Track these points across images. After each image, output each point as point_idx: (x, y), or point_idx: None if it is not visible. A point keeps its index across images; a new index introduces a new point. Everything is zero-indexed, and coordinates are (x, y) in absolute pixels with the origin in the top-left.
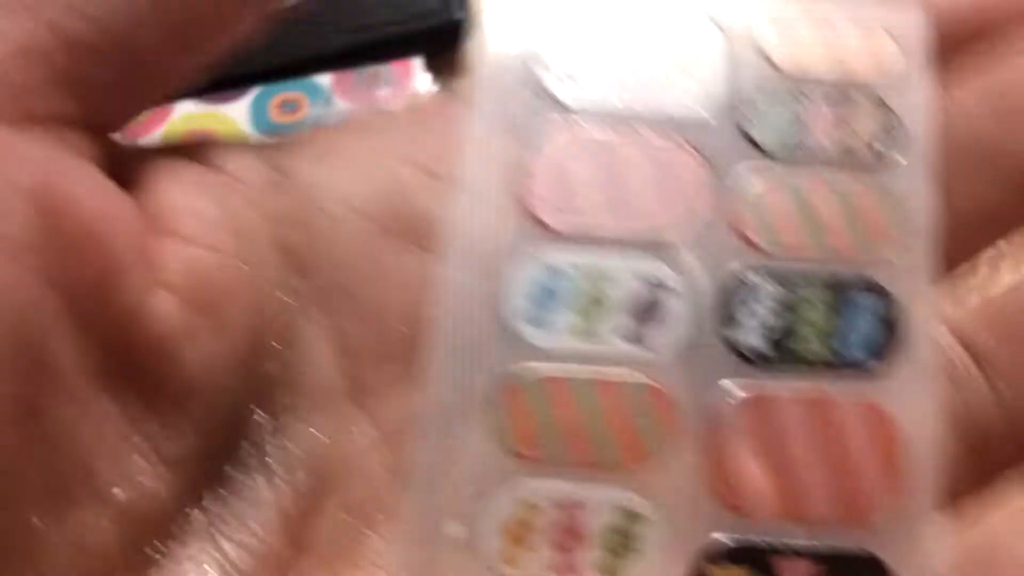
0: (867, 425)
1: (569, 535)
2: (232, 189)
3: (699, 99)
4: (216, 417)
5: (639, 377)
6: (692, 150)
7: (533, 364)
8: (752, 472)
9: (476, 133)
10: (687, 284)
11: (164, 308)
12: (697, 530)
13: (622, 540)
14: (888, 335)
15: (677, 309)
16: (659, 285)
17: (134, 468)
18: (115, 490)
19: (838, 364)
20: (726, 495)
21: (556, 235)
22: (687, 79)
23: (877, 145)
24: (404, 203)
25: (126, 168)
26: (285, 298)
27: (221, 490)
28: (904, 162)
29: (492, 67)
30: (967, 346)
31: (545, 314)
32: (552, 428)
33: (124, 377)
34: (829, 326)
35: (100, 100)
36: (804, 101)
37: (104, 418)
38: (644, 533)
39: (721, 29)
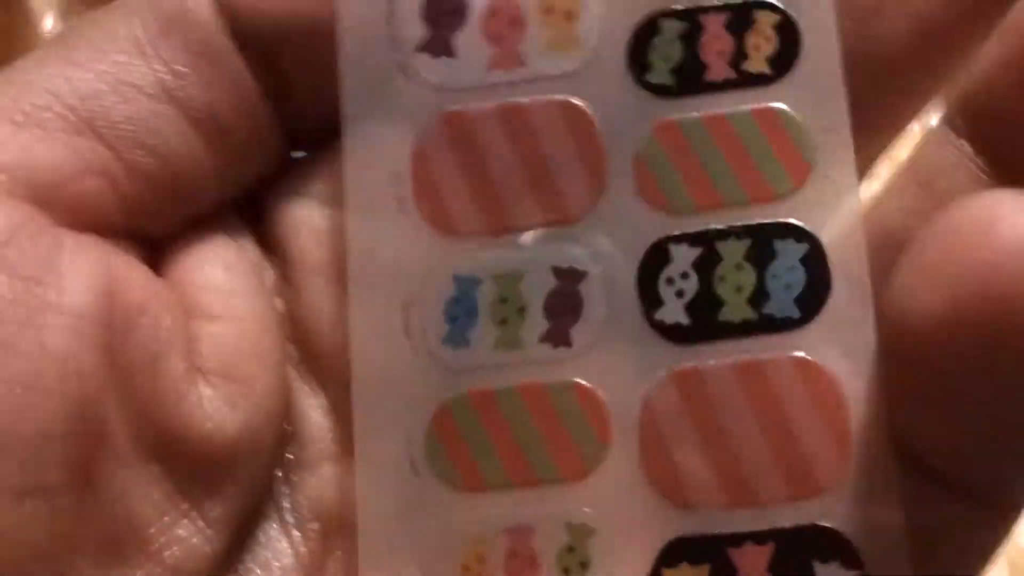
0: (803, 384)
1: (525, 563)
2: (240, 261)
3: (577, 43)
4: (253, 478)
5: (563, 377)
6: (582, 107)
7: (459, 386)
8: (692, 462)
9: (351, 137)
10: (601, 265)
11: (205, 386)
12: (649, 533)
13: (577, 558)
14: (815, 282)
15: (593, 295)
16: (571, 272)
17: (181, 531)
18: (165, 551)
19: (765, 323)
20: (671, 491)
21: (459, 239)
22: (561, 23)
23: (776, 59)
24: None
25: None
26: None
27: (250, 542)
28: (807, 67)
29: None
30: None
31: (464, 331)
32: (487, 450)
33: (171, 447)
34: (751, 284)
35: (148, 219)
36: (698, 32)
37: (153, 484)
38: (597, 546)
39: None
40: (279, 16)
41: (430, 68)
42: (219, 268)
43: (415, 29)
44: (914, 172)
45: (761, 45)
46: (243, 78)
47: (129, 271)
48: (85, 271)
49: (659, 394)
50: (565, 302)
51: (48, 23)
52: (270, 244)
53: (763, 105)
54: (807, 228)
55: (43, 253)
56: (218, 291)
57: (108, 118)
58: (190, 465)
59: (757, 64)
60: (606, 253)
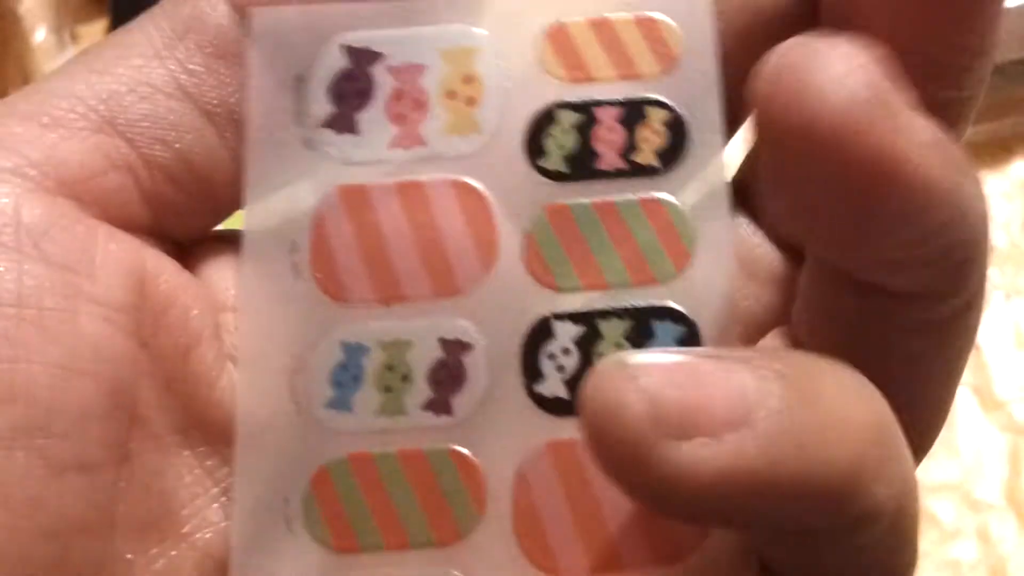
0: None
1: None
2: None
3: (477, 127)
4: None
5: (441, 444)
6: (476, 188)
7: (342, 450)
8: (563, 531)
9: (251, 204)
10: (486, 338)
11: (232, 376)
12: None
13: None
14: None
15: (477, 367)
16: (457, 344)
17: (212, 513)
18: (197, 535)
19: None
20: (540, 559)
21: (351, 305)
22: (463, 108)
23: (665, 152)
24: None
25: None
26: None
27: None
28: (693, 162)
29: (259, 108)
30: None
31: (349, 396)
32: (363, 513)
33: (202, 432)
34: None
35: (172, 216)
36: (591, 123)
37: (186, 469)
38: None
39: (497, 49)
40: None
41: (333, 143)
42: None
43: (321, 105)
44: None
45: (651, 139)
46: None
47: (159, 262)
48: (118, 261)
49: (535, 465)
50: (449, 372)
51: (40, 35)
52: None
53: (650, 195)
54: (684, 312)
55: (78, 244)
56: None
57: (127, 116)
58: (221, 450)
59: (646, 156)
60: (492, 326)
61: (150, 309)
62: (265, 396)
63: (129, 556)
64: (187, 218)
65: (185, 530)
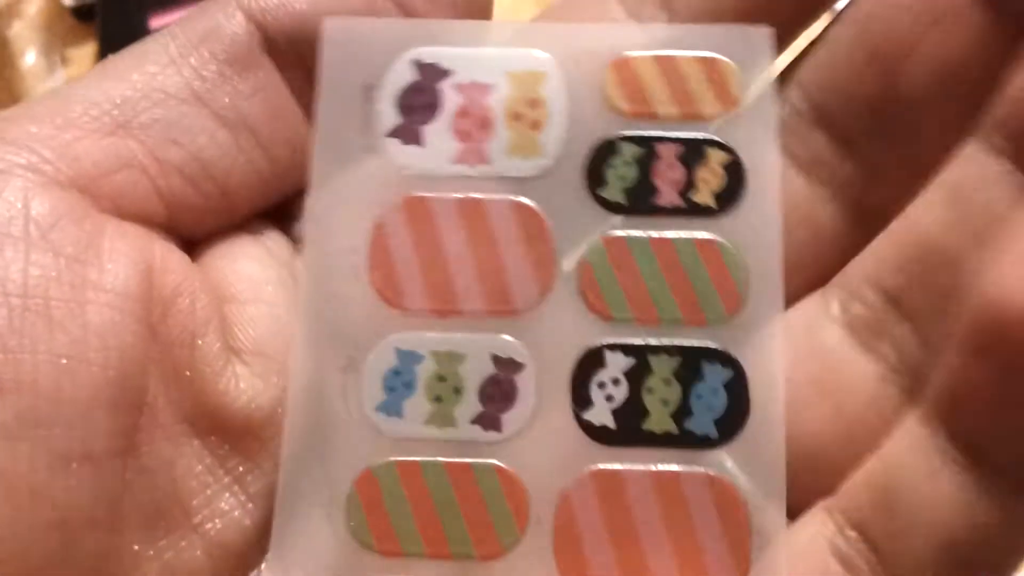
0: (712, 500)
1: None
2: (270, 256)
3: (540, 151)
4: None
5: (488, 460)
6: (536, 211)
7: (389, 453)
8: (602, 558)
9: (318, 204)
10: (537, 359)
11: (240, 364)
12: None
13: None
14: (735, 406)
15: (527, 386)
16: (509, 362)
17: (224, 504)
18: (207, 522)
19: (685, 438)
20: None
21: (406, 313)
22: (527, 131)
23: (722, 194)
24: None
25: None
26: None
27: None
28: (749, 206)
29: (327, 114)
30: (889, 299)
31: (400, 402)
32: (406, 519)
33: (211, 421)
34: (676, 399)
35: (185, 214)
36: (652, 158)
37: (195, 457)
38: None
39: (562, 75)
40: (308, 24)
41: (398, 153)
42: (250, 261)
43: (389, 116)
44: (947, 188)
45: (709, 180)
46: (274, 84)
47: (167, 255)
48: (125, 253)
49: (578, 490)
50: (500, 389)
51: (29, 58)
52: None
53: (706, 237)
54: (733, 355)
55: (86, 236)
56: (249, 280)
57: (140, 119)
58: (230, 439)
59: (704, 197)
60: (544, 349)
61: (158, 299)
62: (316, 391)
63: (136, 547)
64: (203, 216)
65: (195, 520)
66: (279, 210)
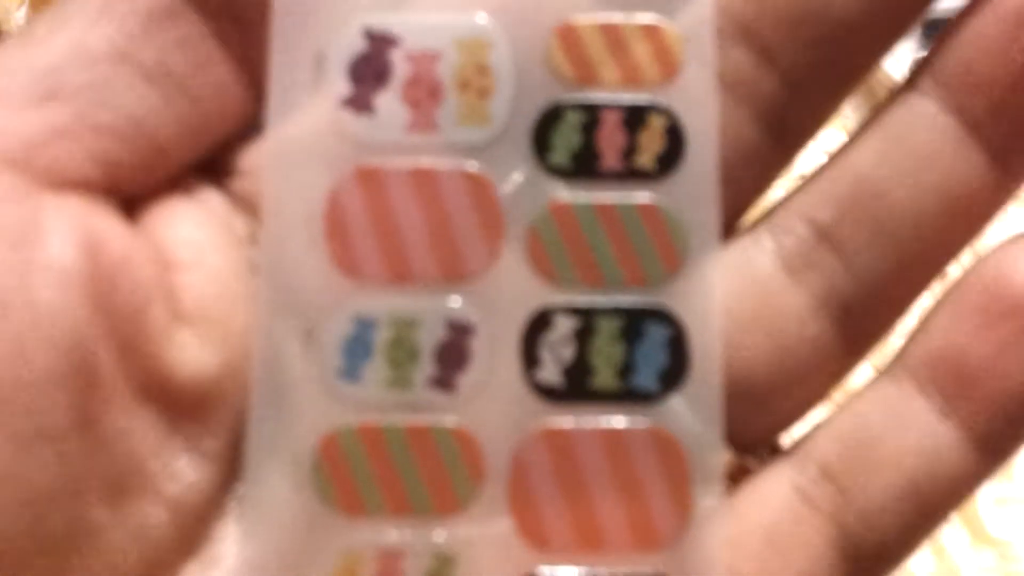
0: (656, 453)
1: None
2: (209, 216)
3: (488, 119)
4: (238, 412)
5: (445, 421)
6: (485, 178)
7: (349, 417)
8: (553, 510)
9: (273, 175)
10: (489, 322)
11: (187, 331)
12: (508, 569)
13: None
14: (676, 362)
15: (480, 349)
16: (462, 326)
17: (181, 466)
18: (167, 485)
19: (630, 394)
20: (531, 533)
21: (362, 281)
22: (475, 99)
23: (662, 158)
24: None
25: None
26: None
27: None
28: (688, 170)
29: (280, 81)
30: (820, 232)
31: (358, 367)
32: (369, 479)
33: (162, 389)
34: (621, 357)
35: (123, 174)
36: (596, 124)
37: (150, 425)
38: (460, 574)
39: (508, 42)
40: None
41: (351, 122)
42: (190, 223)
43: (341, 85)
44: (881, 128)
45: (650, 144)
46: (199, 36)
47: (110, 227)
48: (68, 230)
49: (530, 446)
50: (454, 352)
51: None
52: (239, 198)
53: (647, 201)
54: (674, 314)
55: (27, 216)
56: (190, 244)
57: (68, 85)
58: (181, 404)
59: (645, 161)
60: (495, 312)
61: (103, 273)
62: (278, 360)
63: (102, 516)
64: (138, 174)
65: (155, 485)
66: (210, 163)
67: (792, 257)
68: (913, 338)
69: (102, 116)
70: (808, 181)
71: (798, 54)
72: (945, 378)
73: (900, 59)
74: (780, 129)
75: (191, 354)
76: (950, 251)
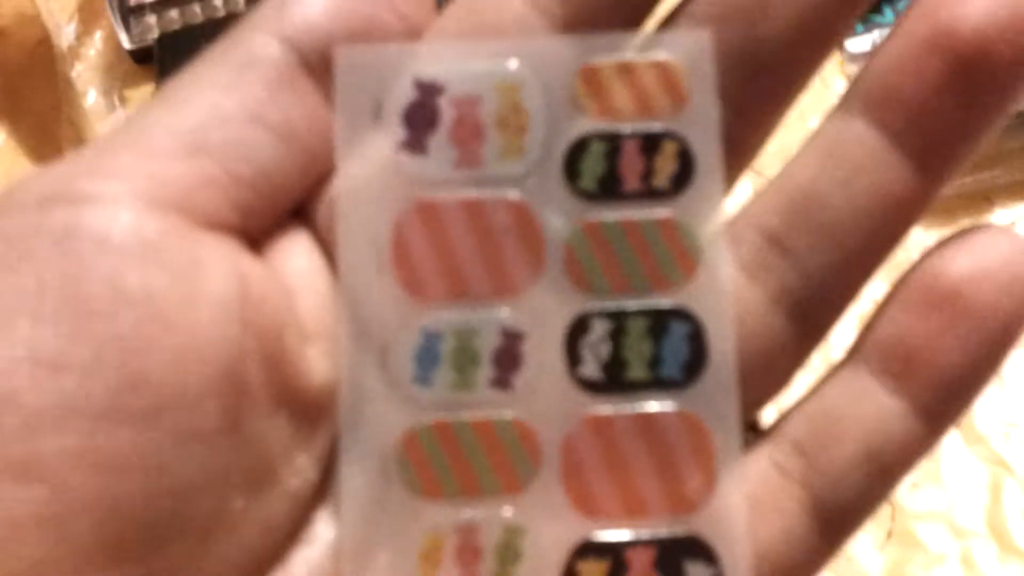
0: (684, 431)
1: (470, 553)
2: (308, 249)
3: (524, 152)
4: (335, 416)
5: (505, 415)
6: (525, 205)
7: (425, 416)
8: (600, 484)
9: (344, 212)
10: (536, 329)
11: (311, 347)
12: (566, 535)
13: (509, 551)
14: (696, 354)
15: (530, 353)
16: (514, 334)
17: (301, 463)
18: (290, 480)
19: (659, 383)
20: (583, 505)
21: (426, 300)
22: (512, 136)
23: (675, 178)
24: None
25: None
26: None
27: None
28: (698, 187)
29: (346, 131)
30: (771, 238)
31: (429, 374)
32: (445, 468)
33: (294, 397)
34: (649, 352)
35: (253, 217)
36: (618, 152)
37: (282, 428)
38: (526, 543)
39: (539, 84)
40: (333, 42)
41: (407, 162)
42: (299, 256)
43: (397, 131)
44: (817, 145)
45: (665, 167)
46: (313, 95)
47: (250, 263)
48: (221, 264)
49: (577, 432)
50: (509, 356)
51: (91, 98)
52: (319, 234)
53: (664, 216)
54: (692, 312)
55: (188, 250)
56: (303, 274)
57: (211, 141)
58: (305, 410)
59: (661, 181)
60: (541, 320)
61: (251, 301)
62: (361, 374)
63: (239, 507)
64: (264, 219)
65: (280, 479)
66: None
67: (748, 261)
68: (866, 329)
69: (241, 168)
70: (758, 194)
71: (740, 85)
72: (893, 361)
73: None
74: (729, 148)
75: (315, 367)
76: (886, 248)
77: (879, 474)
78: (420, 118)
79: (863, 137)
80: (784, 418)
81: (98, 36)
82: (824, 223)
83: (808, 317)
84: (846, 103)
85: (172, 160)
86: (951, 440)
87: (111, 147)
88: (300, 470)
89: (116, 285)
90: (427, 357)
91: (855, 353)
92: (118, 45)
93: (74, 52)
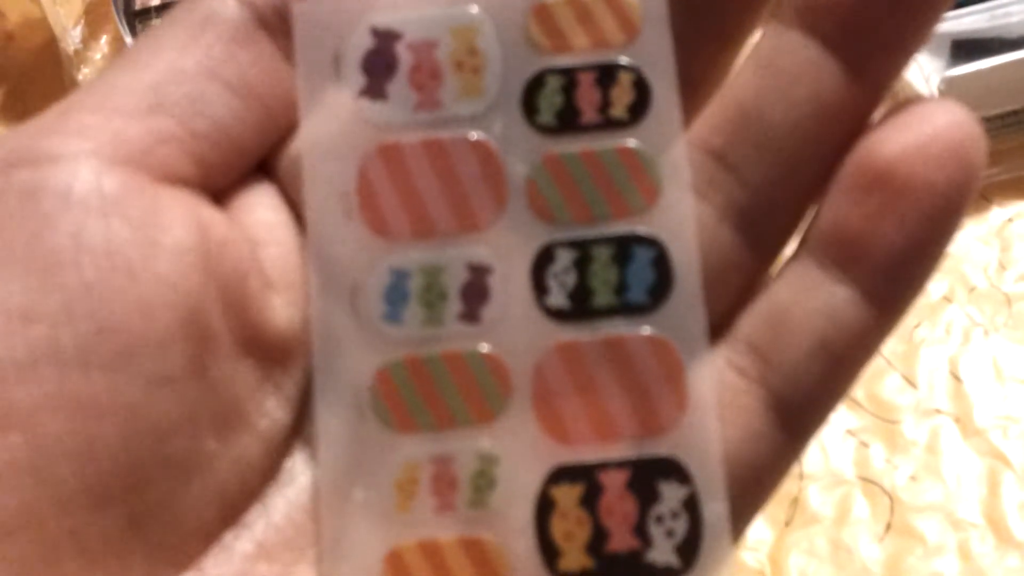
0: (652, 354)
1: (446, 483)
2: (272, 202)
3: (482, 92)
4: (308, 361)
5: (474, 348)
6: (486, 142)
7: (396, 352)
8: (571, 410)
9: (310, 160)
10: (502, 262)
11: (275, 295)
12: (539, 461)
13: (484, 479)
14: (662, 278)
15: (497, 286)
16: (481, 268)
17: (270, 405)
18: (260, 421)
19: (626, 308)
20: (555, 431)
21: (393, 240)
22: (470, 76)
23: (633, 108)
24: None
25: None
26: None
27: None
28: (656, 115)
29: (307, 83)
30: (716, 155)
31: (399, 311)
32: (418, 402)
33: (258, 343)
34: (615, 278)
35: (213, 172)
36: (574, 85)
37: (248, 372)
38: (501, 470)
39: (493, 25)
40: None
41: (368, 108)
42: (263, 209)
43: (356, 78)
44: (755, 59)
45: (621, 97)
46: (269, 52)
47: (211, 215)
48: (181, 215)
49: (547, 360)
50: (476, 290)
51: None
52: (284, 188)
53: (623, 144)
54: (656, 237)
55: (149, 205)
56: (267, 225)
57: (169, 98)
58: (271, 355)
59: (619, 112)
60: (507, 253)
61: (212, 250)
62: (333, 314)
63: (212, 447)
64: (226, 174)
65: (251, 421)
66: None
67: (695, 180)
68: (810, 223)
69: (199, 124)
70: (701, 115)
71: (687, 22)
72: (836, 249)
73: (929, 75)
74: (683, 83)
75: (280, 314)
76: (829, 157)
77: (836, 364)
78: (378, 65)
79: (798, 47)
80: (737, 319)
81: (104, 40)
82: (765, 135)
83: (758, 232)
84: (781, 14)
85: (131, 118)
86: (949, 434)
87: (73, 108)
88: (269, 412)
89: (80, 238)
90: (396, 295)
91: (802, 246)
92: (124, 48)
93: (80, 55)
